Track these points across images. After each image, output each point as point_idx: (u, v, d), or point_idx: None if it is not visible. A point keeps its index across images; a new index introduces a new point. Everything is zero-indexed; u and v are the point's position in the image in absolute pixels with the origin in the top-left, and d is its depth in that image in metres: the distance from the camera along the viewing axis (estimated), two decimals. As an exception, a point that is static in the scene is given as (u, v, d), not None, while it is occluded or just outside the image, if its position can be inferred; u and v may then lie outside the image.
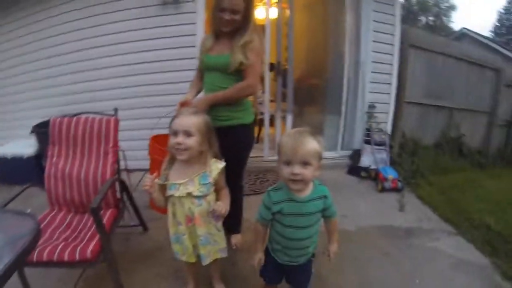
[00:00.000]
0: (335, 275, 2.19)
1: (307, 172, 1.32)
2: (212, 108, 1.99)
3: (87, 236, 1.91)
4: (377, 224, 2.94)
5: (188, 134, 1.54)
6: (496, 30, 25.55)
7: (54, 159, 2.25)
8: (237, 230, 2.52)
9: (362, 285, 2.13)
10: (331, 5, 4.56)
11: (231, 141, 2.08)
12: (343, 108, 4.46)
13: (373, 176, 3.90)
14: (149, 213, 2.84)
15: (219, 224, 1.75)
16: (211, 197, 1.68)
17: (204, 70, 2.17)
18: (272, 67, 4.14)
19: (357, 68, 4.32)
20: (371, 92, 4.35)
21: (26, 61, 4.26)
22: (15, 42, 4.27)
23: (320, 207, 1.46)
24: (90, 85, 4.02)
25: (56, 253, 1.66)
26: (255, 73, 2.01)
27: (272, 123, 4.45)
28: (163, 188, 1.63)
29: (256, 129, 4.60)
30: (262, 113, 4.53)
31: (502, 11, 25.45)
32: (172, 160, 1.67)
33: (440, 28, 27.19)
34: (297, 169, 1.31)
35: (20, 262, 0.89)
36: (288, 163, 1.33)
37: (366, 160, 4.13)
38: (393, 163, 4.10)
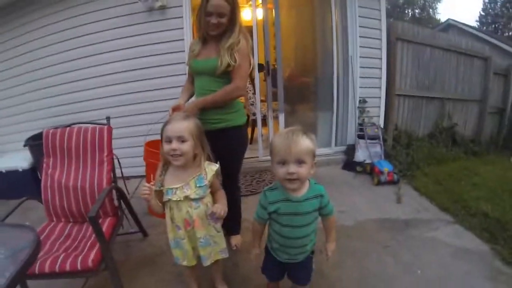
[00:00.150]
0: (336, 270, 2.20)
1: (303, 170, 1.33)
2: (203, 112, 2.01)
3: (87, 245, 1.91)
4: (375, 217, 2.95)
5: (181, 139, 1.55)
6: (482, 19, 25.77)
7: (50, 170, 2.25)
8: (237, 231, 2.53)
9: (363, 279, 2.14)
10: (316, 3, 4.59)
11: (225, 143, 2.10)
12: (335, 104, 4.48)
13: (368, 170, 3.92)
14: (148, 219, 2.84)
15: (218, 225, 1.75)
16: (208, 199, 1.69)
17: (193, 74, 2.18)
18: (261, 67, 4.16)
19: (346, 64, 4.36)
20: (361, 87, 4.38)
21: (16, 73, 4.23)
22: (4, 54, 4.25)
23: (316, 206, 1.47)
24: (81, 95, 4.01)
25: (58, 264, 1.67)
26: (242, 75, 2.02)
27: (265, 123, 4.46)
28: (159, 194, 1.64)
29: (249, 130, 4.62)
30: (254, 114, 4.55)
31: (487, 0, 25.67)
32: (166, 165, 1.68)
33: (426, 20, 27.44)
34: (293, 168, 1.32)
35: (22, 275, 0.90)
36: (283, 163, 1.34)
37: (360, 155, 4.15)
38: (387, 156, 4.12)
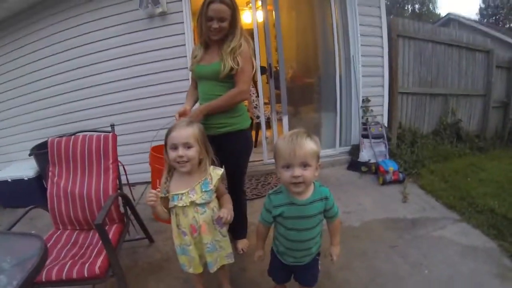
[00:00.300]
0: (343, 271, 2.19)
1: (308, 173, 1.33)
2: (208, 116, 2.01)
3: (94, 252, 1.92)
4: (381, 217, 2.94)
5: (187, 145, 1.56)
6: (482, 12, 25.62)
7: (56, 179, 2.27)
8: (243, 235, 2.54)
9: (371, 280, 2.13)
10: (316, 3, 4.57)
11: (230, 147, 2.10)
12: (338, 105, 4.46)
13: (373, 170, 3.90)
14: (154, 225, 2.84)
15: (224, 230, 1.75)
16: (214, 203, 1.69)
17: (197, 80, 2.19)
18: (263, 70, 4.15)
19: (348, 64, 4.35)
20: (364, 86, 4.36)
21: (20, 84, 4.26)
22: (8, 65, 4.28)
23: (321, 209, 1.46)
24: (85, 103, 4.03)
25: (65, 272, 1.68)
26: (245, 79, 2.03)
27: (269, 125, 4.45)
28: (165, 200, 1.64)
29: (253, 133, 4.62)
30: (258, 117, 4.55)
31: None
32: (171, 172, 1.68)
33: (426, 16, 27.36)
34: (298, 171, 1.32)
35: (30, 283, 0.90)
36: (288, 166, 1.34)
37: (365, 155, 4.14)
38: (392, 155, 4.10)
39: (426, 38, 4.97)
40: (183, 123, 1.63)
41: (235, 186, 2.27)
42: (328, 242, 1.63)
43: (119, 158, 2.35)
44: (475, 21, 13.56)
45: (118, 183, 2.32)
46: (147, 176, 3.00)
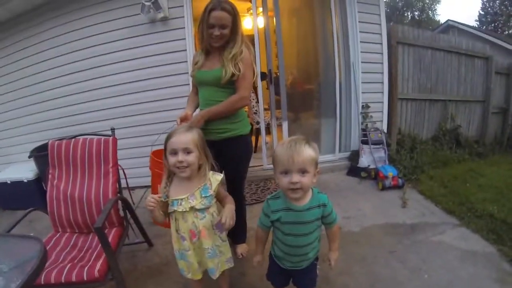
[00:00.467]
0: (342, 276, 2.19)
1: (305, 179, 1.34)
2: (208, 122, 2.02)
3: (93, 255, 1.92)
4: (381, 222, 2.94)
5: (187, 151, 1.57)
6: (481, 18, 25.73)
7: (55, 181, 2.27)
8: (242, 239, 2.54)
9: (371, 285, 2.13)
10: (317, 10, 4.60)
11: (230, 153, 2.11)
12: (338, 111, 4.47)
13: (373, 175, 3.90)
14: (154, 229, 2.84)
15: (223, 234, 1.75)
16: (213, 208, 1.69)
17: (198, 85, 2.20)
18: (264, 76, 4.17)
19: (348, 70, 4.37)
20: (364, 92, 4.38)
21: (21, 85, 4.27)
22: (10, 67, 4.29)
23: (319, 215, 1.47)
24: (85, 106, 4.04)
25: (64, 275, 1.68)
26: (246, 85, 2.04)
27: (269, 131, 4.45)
28: (164, 205, 1.65)
29: (253, 139, 4.62)
30: (258, 123, 4.56)
31: (485, -1, 25.65)
32: (170, 177, 1.69)
33: (426, 22, 27.48)
34: (295, 177, 1.33)
35: (29, 286, 0.90)
36: (286, 172, 1.35)
37: (365, 160, 4.14)
38: (392, 160, 4.11)
39: (425, 45, 5.00)
40: (182, 129, 1.64)
41: (235, 191, 2.26)
42: (327, 247, 1.64)
43: (119, 162, 2.35)
44: (474, 27, 13.60)
45: (117, 186, 2.32)
46: (147, 180, 3.00)
